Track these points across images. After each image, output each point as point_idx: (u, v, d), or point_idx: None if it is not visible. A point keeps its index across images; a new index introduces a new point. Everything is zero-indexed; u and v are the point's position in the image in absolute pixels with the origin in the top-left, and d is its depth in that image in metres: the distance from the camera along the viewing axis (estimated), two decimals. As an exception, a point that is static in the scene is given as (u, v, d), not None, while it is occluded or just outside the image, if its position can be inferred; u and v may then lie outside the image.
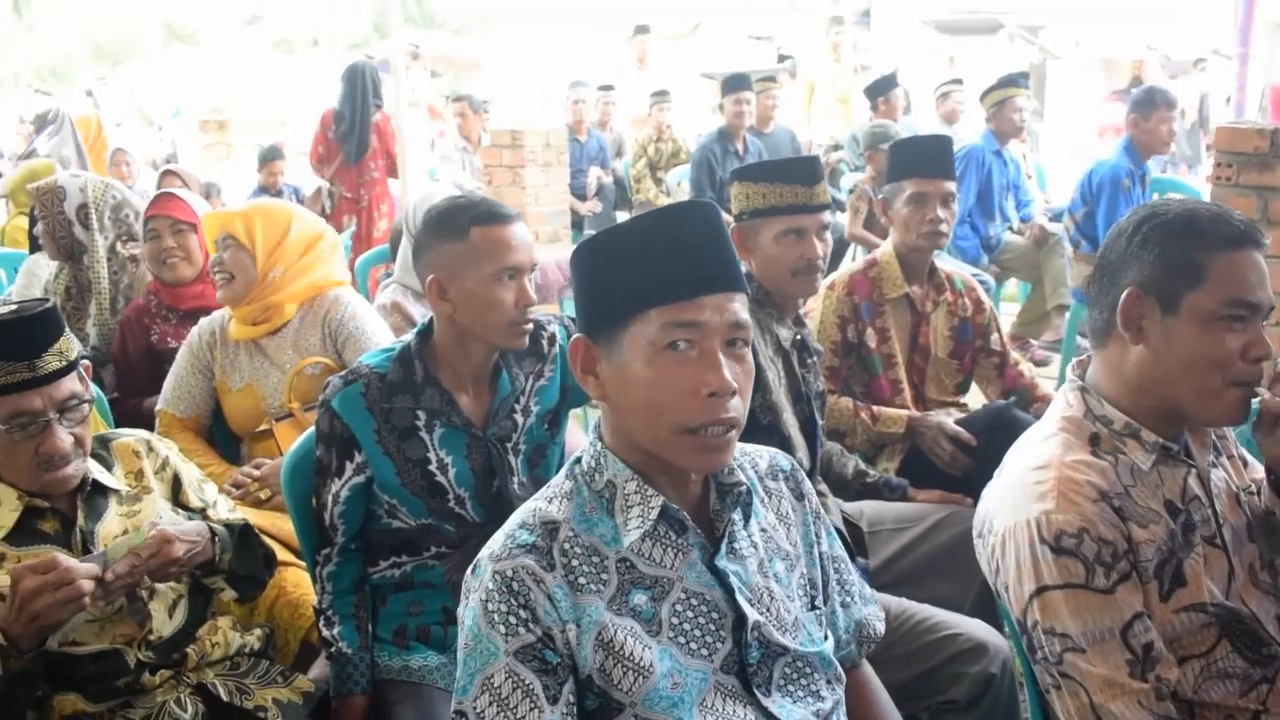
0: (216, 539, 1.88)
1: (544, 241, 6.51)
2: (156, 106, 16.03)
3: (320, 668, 2.00)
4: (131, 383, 3.05)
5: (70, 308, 3.36)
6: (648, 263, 1.22)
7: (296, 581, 2.23)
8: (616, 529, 1.27)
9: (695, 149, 6.75)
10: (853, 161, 7.27)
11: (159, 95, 16.78)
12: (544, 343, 2.09)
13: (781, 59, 12.85)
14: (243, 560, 1.94)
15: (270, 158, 7.45)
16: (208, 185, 6.59)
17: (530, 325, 1.96)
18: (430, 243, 1.93)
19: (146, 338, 3.06)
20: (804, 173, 2.22)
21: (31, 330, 1.72)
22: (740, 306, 1.25)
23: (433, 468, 1.92)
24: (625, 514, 1.27)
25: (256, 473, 2.51)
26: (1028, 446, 1.61)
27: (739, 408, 1.24)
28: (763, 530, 1.37)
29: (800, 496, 1.44)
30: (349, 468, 1.91)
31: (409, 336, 1.99)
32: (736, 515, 1.33)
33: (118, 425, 2.69)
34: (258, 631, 1.97)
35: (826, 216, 2.25)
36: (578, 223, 7.39)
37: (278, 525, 2.35)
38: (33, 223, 4.04)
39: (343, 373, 1.96)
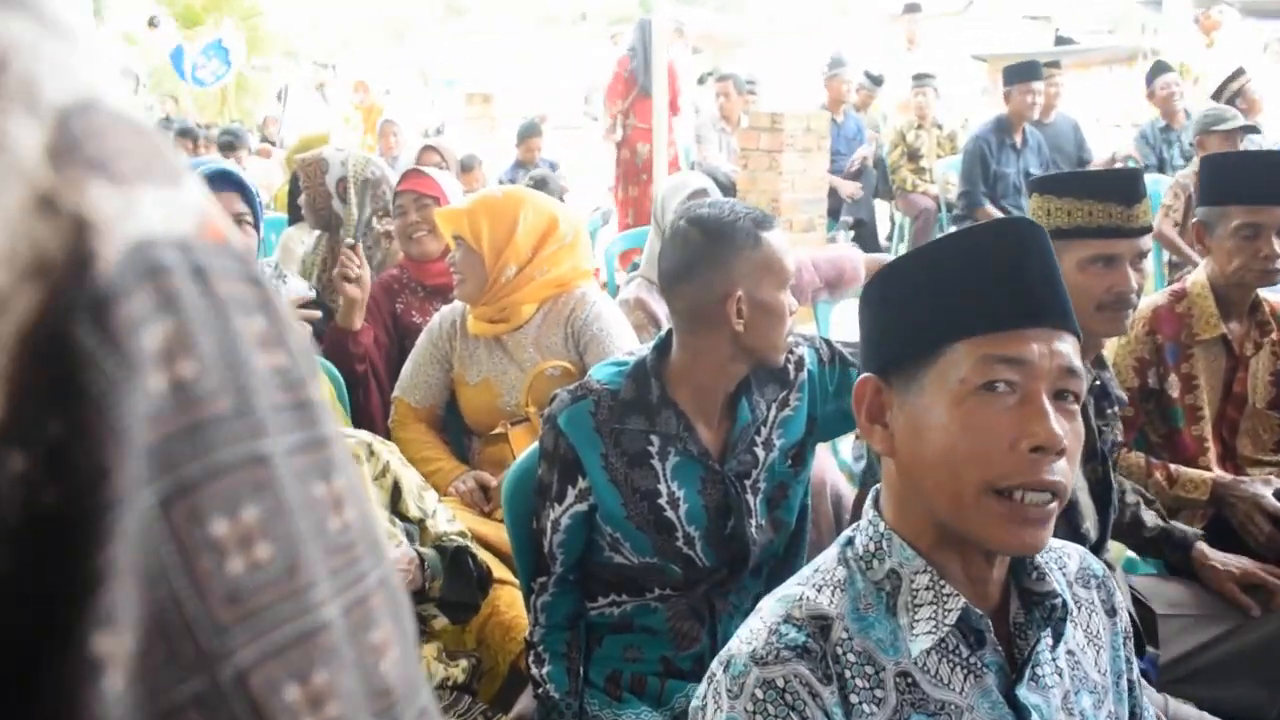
0: (425, 566, 1.77)
1: (798, 230, 6.25)
2: (433, 79, 16.76)
3: (526, 702, 1.86)
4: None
5: (326, 279, 3.40)
6: (964, 286, 1.01)
7: (510, 601, 2.10)
8: (897, 633, 1.02)
9: (968, 139, 6.29)
10: (1141, 160, 6.58)
11: (436, 68, 17.53)
12: (790, 368, 1.86)
13: (1060, 41, 11.91)
14: (454, 587, 1.83)
15: (529, 134, 7.50)
16: (468, 157, 6.71)
17: (789, 354, 1.75)
18: (723, 255, 1.72)
19: (393, 304, 3.05)
20: (1123, 189, 1.86)
21: None
22: (1073, 350, 1.01)
23: (663, 501, 1.73)
24: (911, 614, 1.02)
25: (492, 483, 2.41)
26: None
27: (1066, 473, 0.98)
28: (1069, 653, 1.09)
29: (1112, 611, 1.15)
30: (571, 493, 1.74)
31: (644, 351, 1.80)
32: (1046, 636, 1.06)
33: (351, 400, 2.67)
34: (463, 663, 1.86)
35: (1146, 242, 1.89)
36: (834, 209, 7.07)
37: (502, 537, 2.23)
38: (295, 192, 4.15)
39: (571, 386, 1.79)
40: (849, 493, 2.78)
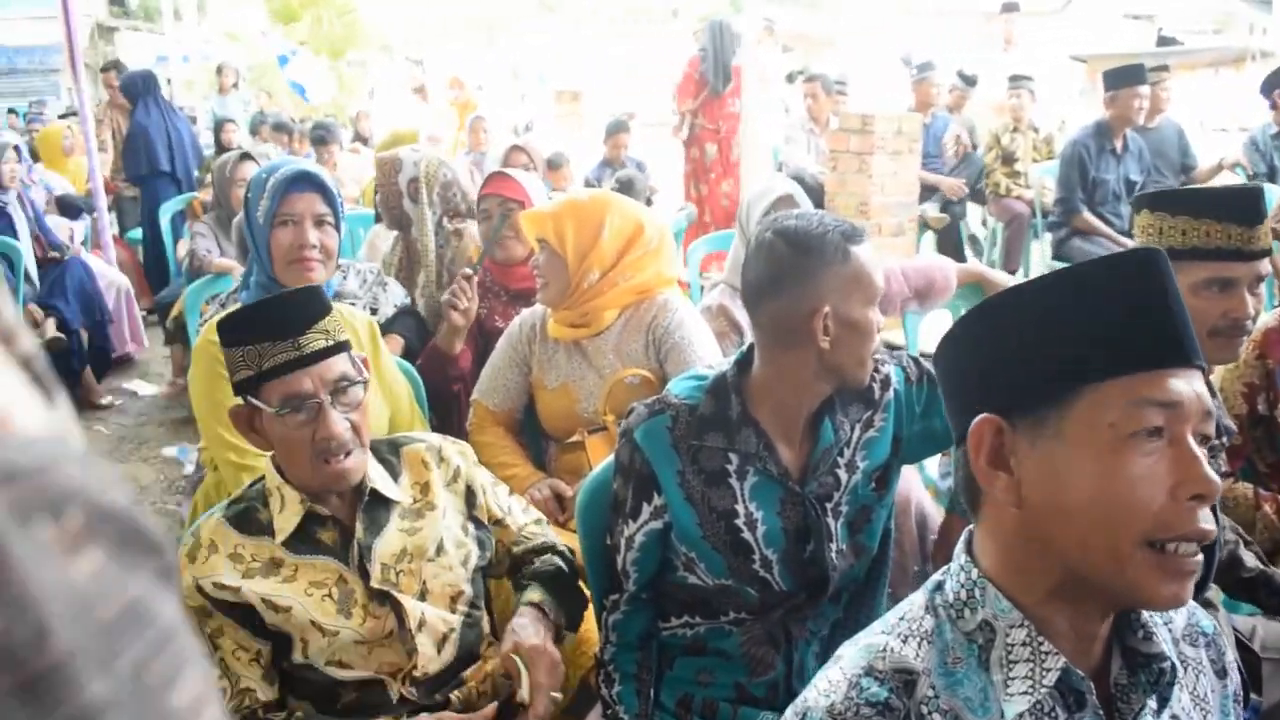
0: (548, 612, 1.80)
1: (887, 235, 6.12)
2: (525, 75, 16.85)
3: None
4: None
5: (402, 278, 3.42)
6: (1104, 321, 0.93)
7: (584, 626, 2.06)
8: (988, 691, 0.95)
9: (1066, 144, 6.08)
10: (1250, 168, 6.30)
11: (527, 65, 17.63)
12: (875, 387, 1.78)
13: (1163, 42, 11.51)
14: (569, 615, 1.86)
15: (615, 130, 7.47)
16: (556, 155, 6.71)
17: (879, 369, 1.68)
18: (811, 269, 1.65)
19: (476, 315, 3.04)
20: (1243, 209, 1.75)
21: (290, 309, 1.66)
22: (1205, 390, 0.94)
23: (740, 522, 1.68)
24: (1005, 671, 0.95)
25: (568, 493, 2.38)
26: None
27: (1212, 521, 0.91)
28: (1174, 718, 1.01)
29: (1222, 672, 1.07)
30: (646, 510, 1.70)
31: (725, 365, 1.75)
32: (1151, 700, 0.98)
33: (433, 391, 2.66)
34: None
35: (1265, 265, 1.78)
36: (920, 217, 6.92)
37: (576, 548, 2.19)
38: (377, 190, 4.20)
39: (649, 400, 1.75)
40: (935, 512, 2.69)
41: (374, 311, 2.76)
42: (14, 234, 5.23)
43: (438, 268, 3.33)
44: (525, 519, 1.97)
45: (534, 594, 1.83)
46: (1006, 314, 0.98)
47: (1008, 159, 7.43)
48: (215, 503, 2.35)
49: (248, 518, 1.72)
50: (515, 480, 2.46)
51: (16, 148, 5.75)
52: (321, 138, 7.11)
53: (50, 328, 5.14)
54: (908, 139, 6.19)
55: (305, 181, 2.37)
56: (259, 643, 1.65)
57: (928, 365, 1.84)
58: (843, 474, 1.73)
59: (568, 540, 2.24)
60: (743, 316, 3.04)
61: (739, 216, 3.16)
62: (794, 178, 6.68)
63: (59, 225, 5.87)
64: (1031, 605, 0.95)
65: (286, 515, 1.70)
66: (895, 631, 1.00)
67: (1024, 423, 0.94)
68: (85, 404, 5.47)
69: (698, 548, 1.69)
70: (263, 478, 1.78)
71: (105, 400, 5.53)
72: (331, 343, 1.66)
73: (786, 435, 1.71)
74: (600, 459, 2.36)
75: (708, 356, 2.45)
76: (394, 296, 2.87)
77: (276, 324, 1.64)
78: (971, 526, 1.03)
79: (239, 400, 1.70)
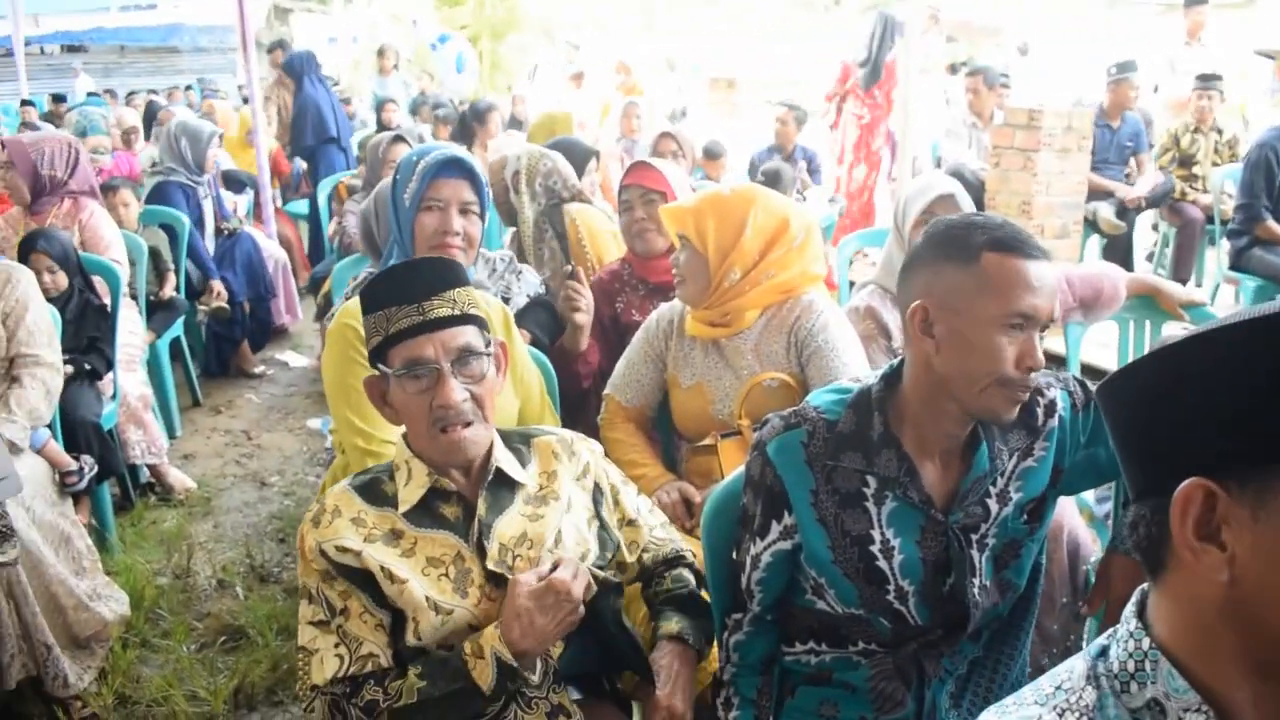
0: (689, 640, 1.77)
1: (1051, 236, 5.85)
2: (679, 63, 16.78)
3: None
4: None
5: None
6: None
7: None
8: None
9: (1252, 146, 5.66)
10: None
11: (683, 53, 17.55)
12: (1039, 413, 1.64)
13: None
14: (707, 636, 1.80)
15: (787, 115, 7.26)
16: (713, 144, 6.60)
17: (1026, 395, 1.52)
18: (927, 259, 1.55)
19: (612, 306, 2.98)
20: None
21: (419, 275, 1.66)
22: None
23: (875, 549, 1.56)
24: None
25: (697, 499, 2.30)
26: None
27: None
28: None
29: None
30: (775, 529, 1.60)
31: (872, 379, 1.63)
32: None
33: (562, 389, 2.61)
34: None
35: None
36: (1090, 220, 6.55)
37: (701, 556, 2.11)
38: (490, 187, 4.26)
39: (785, 412, 1.64)
40: (1089, 540, 2.51)
41: (506, 300, 2.73)
42: (200, 209, 5.46)
43: (535, 262, 3.32)
44: (653, 521, 1.91)
45: (673, 624, 1.78)
46: (1216, 351, 0.80)
47: (1185, 161, 6.98)
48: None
49: (373, 489, 1.71)
50: (644, 480, 2.39)
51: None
52: (479, 117, 7.15)
53: (220, 299, 5.33)
54: (1077, 135, 5.88)
55: (454, 167, 2.35)
56: (381, 613, 1.64)
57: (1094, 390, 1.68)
58: (993, 504, 1.60)
59: (694, 548, 2.17)
60: (892, 319, 2.90)
61: (894, 213, 3.01)
62: (953, 173, 6.45)
63: (225, 199, 6.08)
64: (1217, 689, 0.82)
65: (411, 488, 1.69)
66: (1051, 704, 0.88)
67: (1246, 489, 0.79)
68: (239, 372, 5.67)
69: (828, 573, 1.59)
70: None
71: (258, 369, 5.72)
72: (458, 312, 1.66)
73: (933, 460, 1.59)
74: (732, 465, 2.27)
75: (853, 363, 2.33)
76: (527, 285, 2.83)
77: (404, 289, 1.64)
78: (1146, 586, 0.90)
79: (374, 372, 1.70)
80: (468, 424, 1.65)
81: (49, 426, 3.14)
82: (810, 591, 1.63)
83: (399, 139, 4.56)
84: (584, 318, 2.67)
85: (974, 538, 1.58)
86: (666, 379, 2.53)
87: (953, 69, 11.16)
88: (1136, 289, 3.05)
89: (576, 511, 1.77)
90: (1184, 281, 6.77)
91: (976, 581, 1.58)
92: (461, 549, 1.66)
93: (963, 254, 1.50)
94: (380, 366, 1.67)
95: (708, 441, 2.37)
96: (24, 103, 10.82)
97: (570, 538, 1.72)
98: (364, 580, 1.63)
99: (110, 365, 3.75)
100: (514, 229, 3.46)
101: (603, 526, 1.80)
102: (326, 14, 20.36)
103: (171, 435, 4.77)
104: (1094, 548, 2.53)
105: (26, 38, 13.32)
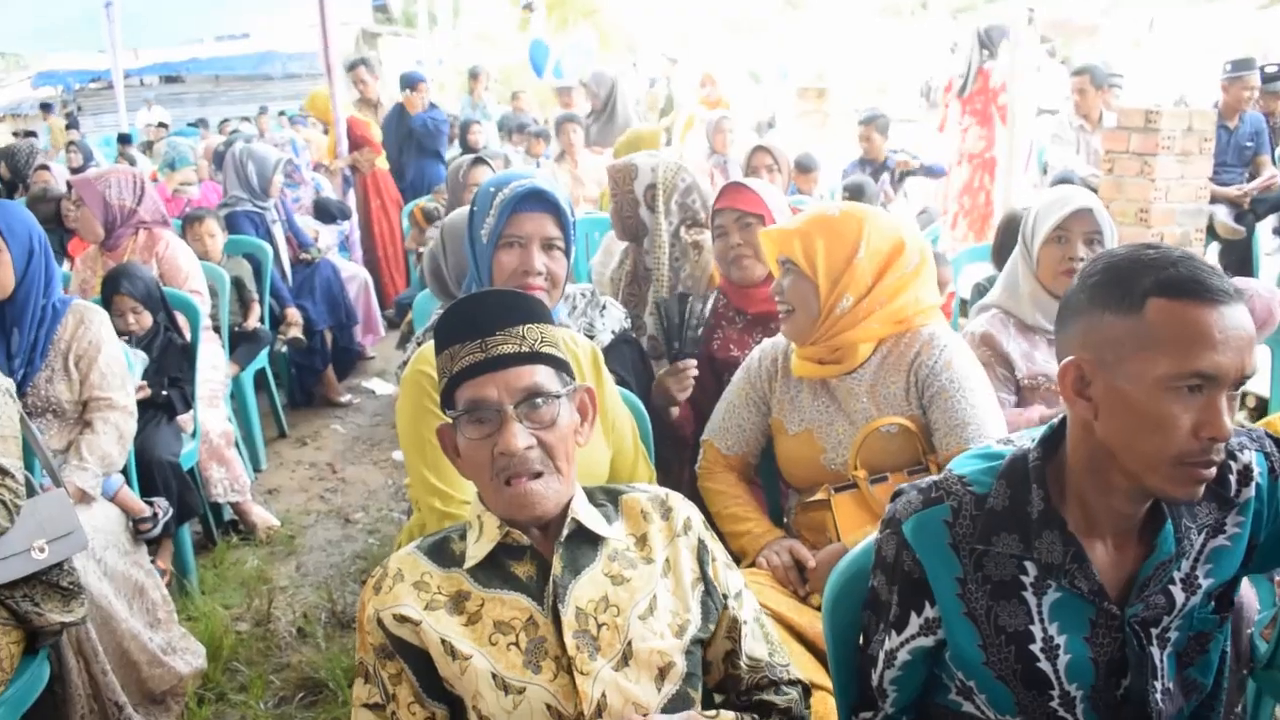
0: None
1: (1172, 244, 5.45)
2: (765, 73, 16.52)
3: None
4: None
5: (629, 293, 3.18)
6: None
7: (824, 715, 1.72)
8: None
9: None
10: None
11: (770, 61, 17.29)
12: (1232, 481, 1.36)
13: None
14: None
15: (869, 123, 6.96)
16: (806, 157, 6.32)
17: (1211, 472, 1.25)
18: (1083, 305, 1.29)
19: (709, 343, 2.74)
20: None
21: (484, 308, 1.50)
22: None
23: (1035, 647, 1.31)
24: None
25: (810, 562, 2.06)
26: None
27: None
28: None
29: None
30: (914, 622, 1.36)
31: (1026, 443, 1.38)
32: None
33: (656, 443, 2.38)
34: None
35: None
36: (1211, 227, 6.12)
37: (818, 629, 1.87)
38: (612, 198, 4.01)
39: (924, 483, 1.40)
40: (1253, 600, 2.20)
41: (590, 339, 2.50)
42: (270, 236, 5.38)
43: (671, 281, 3.07)
44: (746, 615, 1.59)
45: None
46: None
47: (1314, 161, 6.52)
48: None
49: (442, 549, 1.53)
50: (748, 538, 2.16)
51: (290, 160, 5.95)
52: (566, 119, 6.95)
53: (295, 328, 5.24)
54: (1198, 138, 5.49)
55: (536, 200, 2.14)
56: (433, 705, 1.45)
57: None
58: (1178, 593, 1.33)
59: (809, 621, 1.93)
60: (1015, 348, 2.63)
61: (1022, 229, 2.73)
62: (1061, 181, 6.10)
63: (307, 227, 6.01)
64: None
65: (481, 543, 1.50)
66: None
67: None
68: (325, 401, 5.58)
69: (978, 675, 1.34)
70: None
71: (344, 399, 5.62)
72: (526, 349, 1.47)
73: (1103, 541, 1.33)
74: (849, 524, 2.04)
75: (982, 405, 2.07)
76: (611, 321, 2.59)
77: (470, 324, 1.49)
78: None
79: (447, 418, 1.52)
80: (535, 475, 1.45)
81: (123, 471, 3.03)
82: (956, 691, 1.38)
83: (480, 161, 4.39)
84: (680, 404, 2.51)
85: (1154, 633, 1.32)
86: (771, 424, 2.30)
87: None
88: (1297, 309, 2.73)
89: (678, 573, 1.53)
90: (1314, 291, 6.32)
91: (1159, 684, 1.31)
92: (535, 613, 1.45)
93: (1124, 300, 1.23)
94: (448, 412, 1.50)
95: (819, 496, 2.12)
96: (121, 138, 11.02)
97: (665, 604, 1.50)
98: (421, 660, 1.44)
99: (189, 404, 3.65)
100: (628, 244, 3.21)
101: (708, 591, 1.56)
102: (413, 37, 20.55)
103: (256, 469, 4.68)
104: (1256, 605, 2.23)
105: (125, 70, 13.65)
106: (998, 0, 6.40)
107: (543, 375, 1.47)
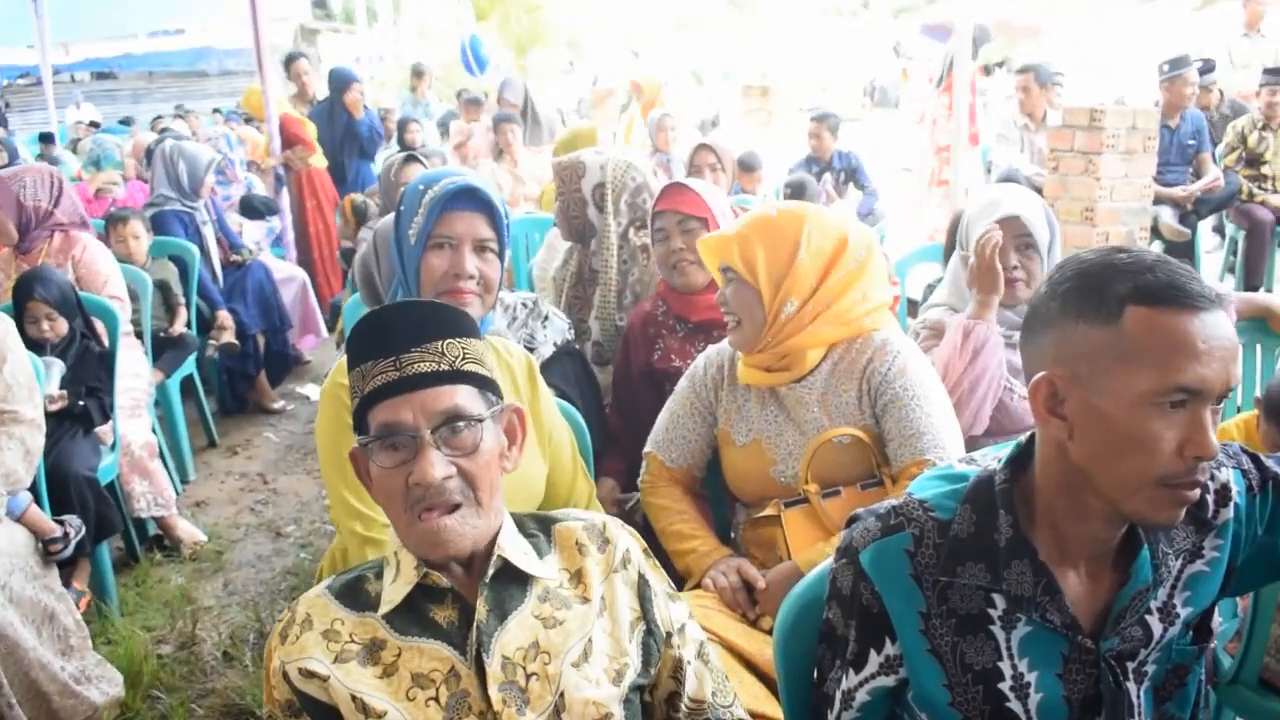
0: None
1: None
2: (708, 73, 16.47)
3: None
4: (628, 404, 2.63)
5: (573, 296, 3.05)
6: None
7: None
8: None
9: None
10: None
11: (712, 59, 17.26)
12: (1209, 502, 1.27)
13: None
14: None
15: (821, 119, 6.89)
16: (749, 155, 6.23)
17: (1195, 493, 1.16)
18: (1053, 316, 1.18)
19: (649, 352, 2.62)
20: None
21: (402, 321, 1.35)
22: None
23: (1005, 686, 1.21)
24: None
25: (760, 583, 1.94)
26: None
27: None
28: None
29: None
30: (873, 660, 1.25)
31: (991, 463, 1.28)
32: None
33: (599, 457, 2.26)
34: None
35: None
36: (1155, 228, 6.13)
37: (767, 655, 1.76)
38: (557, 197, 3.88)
39: (881, 508, 1.29)
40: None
41: (530, 350, 2.37)
42: (200, 237, 5.18)
43: (619, 285, 2.95)
44: (691, 650, 1.47)
45: None
46: None
47: (1253, 160, 6.57)
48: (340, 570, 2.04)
49: (355, 590, 1.38)
50: (694, 556, 2.05)
51: (221, 153, 5.73)
52: (504, 119, 6.77)
53: (227, 332, 5.05)
54: (1142, 136, 5.49)
55: (469, 198, 1.98)
56: None
57: (1272, 465, 1.31)
58: (1155, 624, 1.23)
59: (758, 647, 1.82)
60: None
61: (959, 232, 2.65)
62: (1006, 179, 6.07)
63: (233, 223, 5.80)
64: None
65: (398, 585, 1.35)
66: None
67: None
68: (257, 408, 5.39)
69: (943, 716, 1.23)
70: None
71: (277, 405, 5.44)
72: (445, 368, 1.32)
73: (1076, 570, 1.23)
74: (800, 541, 1.93)
75: (938, 415, 1.97)
76: (554, 332, 2.45)
77: (381, 339, 1.33)
78: None
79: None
80: (453, 508, 1.30)
81: (32, 488, 2.84)
82: (919, 734, 1.28)
83: (412, 158, 4.22)
84: None
85: (1130, 667, 1.22)
86: (717, 435, 2.19)
87: (986, 70, 10.75)
88: (1249, 311, 2.68)
89: (615, 612, 1.40)
90: (1255, 288, 6.35)
91: (1135, 723, 1.22)
92: (457, 663, 1.31)
93: (1099, 309, 1.13)
94: (359, 436, 1.34)
95: (769, 511, 2.01)
96: (43, 137, 10.64)
97: (601, 647, 1.37)
98: (330, 718, 1.30)
99: (108, 415, 3.46)
100: (571, 245, 3.08)
101: (649, 632, 1.43)
102: (353, 34, 20.21)
103: (184, 480, 4.49)
104: (1218, 619, 2.17)
105: (56, 66, 13.22)
106: (938, 1, 6.34)
107: (464, 396, 1.33)
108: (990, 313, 2.34)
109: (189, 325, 4.74)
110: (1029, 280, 2.43)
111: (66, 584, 3.28)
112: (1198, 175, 6.45)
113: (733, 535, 2.21)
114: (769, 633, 1.85)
